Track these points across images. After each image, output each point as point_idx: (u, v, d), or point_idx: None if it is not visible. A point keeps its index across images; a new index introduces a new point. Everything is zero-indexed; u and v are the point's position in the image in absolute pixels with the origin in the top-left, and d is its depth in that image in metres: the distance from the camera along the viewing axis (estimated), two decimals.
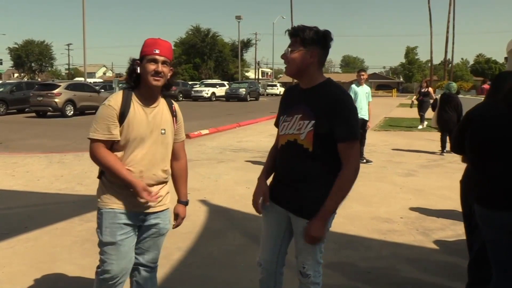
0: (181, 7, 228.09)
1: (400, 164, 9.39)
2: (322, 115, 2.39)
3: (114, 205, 2.60)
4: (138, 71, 2.57)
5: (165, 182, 2.78)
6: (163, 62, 2.55)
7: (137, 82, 2.62)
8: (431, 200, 6.44)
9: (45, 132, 15.34)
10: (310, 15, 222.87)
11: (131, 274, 2.84)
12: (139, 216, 2.66)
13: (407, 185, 7.43)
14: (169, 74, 2.62)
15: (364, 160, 9.38)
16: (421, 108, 16.59)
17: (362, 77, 9.22)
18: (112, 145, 2.57)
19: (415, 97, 17.26)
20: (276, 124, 2.72)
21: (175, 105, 2.82)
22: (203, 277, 3.97)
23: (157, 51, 2.54)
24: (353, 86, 9.19)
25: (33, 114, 22.27)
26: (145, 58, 2.54)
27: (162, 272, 4.03)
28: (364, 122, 9.17)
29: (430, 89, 16.68)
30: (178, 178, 2.91)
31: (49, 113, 21.62)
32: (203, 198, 6.55)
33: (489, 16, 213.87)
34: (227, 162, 9.55)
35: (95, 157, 2.54)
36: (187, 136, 13.51)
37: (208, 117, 21.48)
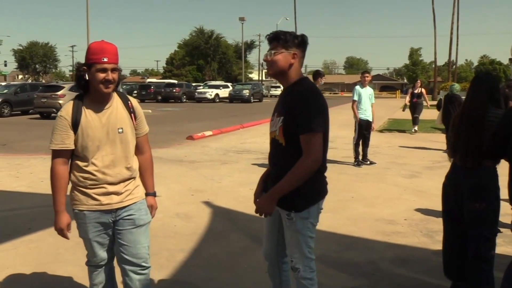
0: (185, 8, 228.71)
1: (403, 165, 9.36)
2: (289, 111, 2.56)
3: (82, 206, 2.71)
4: (87, 78, 2.58)
5: (132, 178, 2.80)
6: (113, 69, 2.58)
7: (87, 88, 2.64)
8: (435, 202, 6.40)
9: (49, 133, 15.22)
10: (314, 16, 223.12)
11: (122, 276, 2.88)
12: (109, 213, 2.73)
13: (410, 187, 7.41)
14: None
15: (368, 162, 9.38)
16: (415, 110, 15.45)
17: (366, 78, 9.24)
18: (73, 154, 2.67)
19: (408, 99, 15.76)
20: None
21: (132, 101, 2.82)
22: (206, 279, 3.97)
23: (105, 59, 2.55)
24: (357, 87, 9.21)
25: (37, 116, 22.37)
26: (93, 66, 2.55)
27: (165, 273, 4.03)
28: (368, 124, 9.19)
29: (423, 90, 15.62)
30: (144, 171, 2.92)
31: (53, 115, 21.62)
32: (207, 200, 6.54)
33: (493, 17, 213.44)
34: (230, 164, 9.54)
35: (51, 171, 2.68)
36: (191, 138, 13.52)
37: (212, 119, 21.49)
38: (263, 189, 2.87)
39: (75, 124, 2.60)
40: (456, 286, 3.57)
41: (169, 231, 5.12)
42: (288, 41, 2.58)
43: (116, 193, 2.71)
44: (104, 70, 2.54)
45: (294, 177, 2.51)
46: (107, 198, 2.70)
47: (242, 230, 5.25)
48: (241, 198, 6.60)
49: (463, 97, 3.62)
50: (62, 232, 2.73)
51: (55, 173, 2.65)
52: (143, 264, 2.83)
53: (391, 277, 4.03)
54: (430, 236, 5.00)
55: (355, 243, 4.84)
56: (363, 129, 9.18)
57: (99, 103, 2.65)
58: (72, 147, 2.63)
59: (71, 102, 2.66)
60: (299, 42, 2.61)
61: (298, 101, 2.52)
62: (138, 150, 2.86)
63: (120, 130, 2.69)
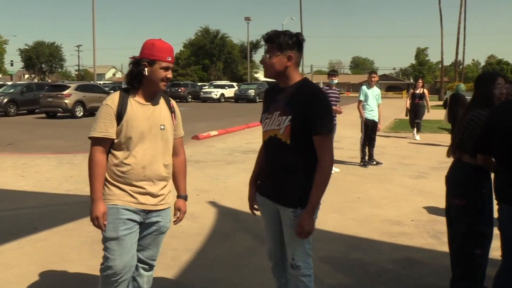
0: (191, 8, 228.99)
1: (410, 166, 9.31)
2: (298, 111, 2.56)
3: (117, 201, 2.66)
4: (146, 74, 2.61)
5: (167, 180, 2.82)
6: (171, 68, 2.69)
7: (140, 83, 2.67)
8: (441, 203, 6.29)
9: (54, 133, 15.42)
10: (319, 16, 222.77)
11: None
12: (141, 212, 2.72)
13: (417, 187, 7.36)
14: None
15: (374, 162, 9.33)
16: (417, 114, 13.74)
17: (373, 79, 9.21)
18: (113, 145, 2.65)
19: (408, 102, 14.07)
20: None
21: (173, 101, 2.91)
22: (211, 279, 3.95)
23: (170, 59, 2.65)
24: (364, 87, 9.18)
25: (43, 115, 22.44)
26: (157, 63, 2.61)
27: (171, 273, 4.02)
28: (374, 124, 9.15)
29: (426, 91, 13.76)
30: (177, 173, 2.94)
31: (59, 114, 21.78)
32: (212, 200, 6.53)
33: (501, 16, 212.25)
34: (236, 164, 9.52)
35: (89, 159, 2.64)
36: (196, 138, 13.52)
37: (217, 119, 21.49)
38: (255, 192, 2.95)
39: (119, 114, 2.60)
40: None
41: (174, 231, 5.08)
42: (283, 43, 2.59)
43: (152, 195, 2.72)
44: (167, 69, 2.64)
45: (323, 182, 2.57)
46: (143, 198, 2.69)
47: (247, 230, 5.23)
48: (247, 198, 6.57)
49: (468, 97, 3.66)
50: (98, 221, 2.61)
51: (95, 160, 2.61)
52: (154, 263, 2.95)
53: (398, 278, 4.00)
54: (437, 237, 4.96)
55: (361, 244, 4.81)
56: (369, 130, 9.14)
57: (146, 98, 2.69)
58: (114, 136, 2.62)
59: (117, 92, 2.69)
60: (294, 43, 2.61)
61: (312, 102, 2.55)
62: (173, 152, 2.87)
63: (162, 127, 2.72)
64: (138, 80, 2.65)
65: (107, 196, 2.67)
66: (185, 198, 3.00)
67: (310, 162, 2.59)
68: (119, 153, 2.65)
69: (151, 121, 2.67)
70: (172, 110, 2.82)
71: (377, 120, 9.20)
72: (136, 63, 2.63)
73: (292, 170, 2.63)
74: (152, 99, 2.71)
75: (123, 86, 2.90)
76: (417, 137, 13.77)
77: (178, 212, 2.96)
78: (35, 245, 4.68)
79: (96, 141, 2.62)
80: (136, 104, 2.65)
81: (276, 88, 2.78)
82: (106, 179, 2.67)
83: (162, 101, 2.79)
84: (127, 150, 2.64)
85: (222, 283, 3.89)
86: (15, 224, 5.37)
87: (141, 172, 2.65)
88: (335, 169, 8.65)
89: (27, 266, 4.14)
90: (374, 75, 9.31)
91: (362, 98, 9.09)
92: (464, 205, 3.24)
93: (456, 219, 3.34)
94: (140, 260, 2.86)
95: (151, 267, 2.95)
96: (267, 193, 2.80)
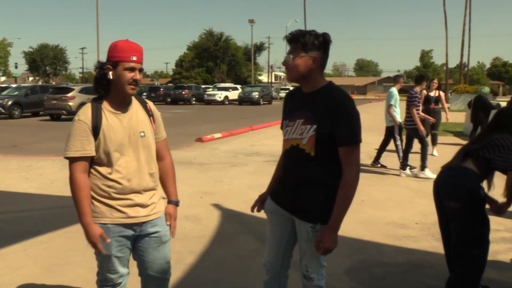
0: (194, 10, 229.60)
1: (415, 168, 9.25)
2: (324, 120, 2.37)
3: (105, 219, 2.50)
4: (110, 77, 2.42)
5: (155, 188, 2.65)
6: (140, 70, 2.46)
7: (107, 89, 2.47)
8: None
9: (59, 135, 15.44)
10: (323, 18, 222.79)
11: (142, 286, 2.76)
12: (134, 226, 2.55)
13: (422, 190, 7.33)
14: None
15: (379, 165, 9.30)
16: (435, 124, 10.18)
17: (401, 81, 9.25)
18: (93, 160, 2.48)
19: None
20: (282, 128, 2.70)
21: (150, 103, 2.69)
22: (215, 281, 3.95)
23: (134, 58, 2.42)
24: (394, 90, 9.02)
25: (47, 118, 22.56)
26: (120, 64, 2.40)
27: (174, 276, 4.00)
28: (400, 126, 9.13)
29: (442, 94, 10.76)
30: (165, 177, 2.75)
31: (63, 117, 21.82)
32: (216, 202, 6.52)
33: (506, 18, 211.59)
34: (240, 166, 9.52)
35: (71, 181, 2.47)
36: (200, 140, 13.53)
37: (221, 121, 21.50)
38: (267, 195, 2.83)
39: (95, 129, 2.41)
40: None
41: (178, 233, 5.04)
42: (308, 43, 2.37)
43: (142, 206, 2.54)
44: (132, 70, 2.41)
45: (346, 200, 2.42)
46: (133, 210, 2.52)
47: (251, 232, 5.22)
48: (251, 200, 6.50)
49: (494, 101, 3.66)
50: (95, 246, 2.47)
51: (77, 183, 2.42)
52: (167, 277, 2.76)
53: (402, 281, 3.99)
54: None
55: (366, 247, 4.79)
56: (401, 132, 8.99)
57: (119, 105, 2.49)
58: (93, 153, 2.43)
59: (89, 105, 2.47)
60: (320, 43, 2.39)
61: (339, 110, 2.35)
62: (158, 156, 2.68)
63: (142, 134, 2.53)
64: (104, 85, 2.45)
65: (94, 214, 2.48)
66: (176, 203, 2.78)
67: (334, 175, 2.43)
68: (101, 169, 2.47)
69: (129, 130, 2.49)
70: (150, 114, 2.62)
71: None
72: (100, 67, 2.44)
73: (314, 183, 2.46)
74: (125, 105, 2.51)
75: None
76: (435, 152, 10.81)
77: (169, 219, 2.73)
78: (39, 247, 4.68)
79: (75, 161, 2.42)
80: (110, 114, 2.46)
81: (299, 93, 2.57)
82: (91, 195, 2.50)
83: (137, 105, 2.59)
84: (109, 164, 2.46)
85: (226, 286, 3.89)
86: (20, 226, 5.38)
87: (127, 186, 2.48)
88: (432, 175, 8.06)
89: (32, 268, 4.15)
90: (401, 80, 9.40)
91: (393, 102, 8.80)
92: (460, 207, 3.20)
93: (452, 220, 3.32)
94: (150, 277, 2.67)
95: (165, 281, 2.73)
96: (283, 203, 2.63)
